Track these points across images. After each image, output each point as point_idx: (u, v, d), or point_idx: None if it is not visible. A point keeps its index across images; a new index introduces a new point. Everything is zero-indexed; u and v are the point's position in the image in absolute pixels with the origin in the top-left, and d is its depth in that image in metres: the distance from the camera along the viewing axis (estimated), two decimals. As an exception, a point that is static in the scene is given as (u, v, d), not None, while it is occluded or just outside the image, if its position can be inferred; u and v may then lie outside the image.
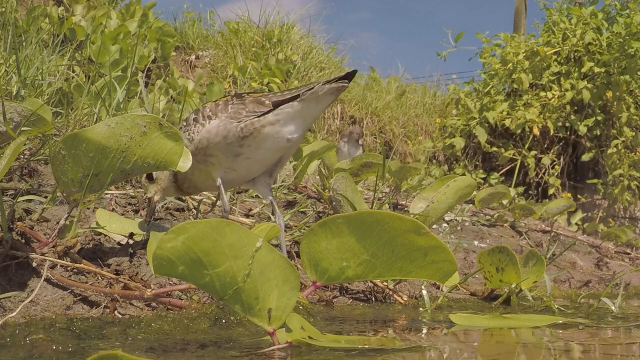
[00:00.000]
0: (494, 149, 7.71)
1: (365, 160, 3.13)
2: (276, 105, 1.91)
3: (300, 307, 1.84)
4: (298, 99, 1.90)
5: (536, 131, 7.44)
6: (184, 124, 2.03)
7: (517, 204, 4.49)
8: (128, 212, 2.32)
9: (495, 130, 7.85)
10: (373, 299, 2.36)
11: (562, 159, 7.87)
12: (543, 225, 4.52)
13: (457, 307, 2.35)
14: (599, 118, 7.48)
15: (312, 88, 1.88)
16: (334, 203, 2.46)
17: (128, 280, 1.71)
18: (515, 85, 7.67)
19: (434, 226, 3.47)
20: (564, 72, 7.58)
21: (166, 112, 3.70)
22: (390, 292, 2.38)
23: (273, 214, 2.11)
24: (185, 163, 1.82)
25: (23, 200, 1.95)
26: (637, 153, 7.48)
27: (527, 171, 7.64)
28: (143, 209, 2.35)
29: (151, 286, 1.72)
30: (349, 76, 1.88)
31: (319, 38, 7.93)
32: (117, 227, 2.01)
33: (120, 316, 1.61)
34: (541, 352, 1.60)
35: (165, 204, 2.45)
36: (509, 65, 7.68)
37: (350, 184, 2.47)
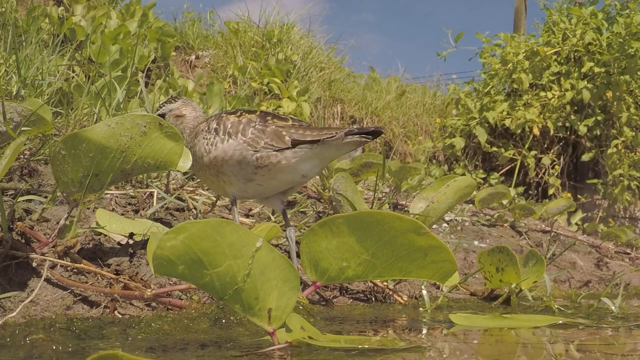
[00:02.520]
0: (494, 149, 7.71)
1: (365, 160, 3.13)
2: (295, 144, 1.88)
3: (300, 307, 1.84)
4: (319, 143, 1.87)
5: (536, 131, 7.44)
6: (206, 127, 2.01)
7: (517, 204, 4.49)
8: (128, 212, 2.32)
9: (495, 130, 7.85)
10: (373, 299, 2.35)
11: (562, 159, 7.87)
12: (543, 225, 4.52)
13: (457, 307, 2.35)
14: (599, 118, 7.48)
15: (335, 136, 1.84)
16: (334, 203, 2.46)
17: (128, 280, 1.71)
18: (515, 85, 7.67)
19: (434, 226, 3.47)
20: (564, 72, 7.58)
21: (166, 112, 3.69)
22: (390, 292, 2.37)
23: (285, 227, 2.11)
24: (185, 163, 1.82)
25: (23, 200, 1.95)
26: (637, 153, 7.47)
27: (527, 171, 7.64)
28: (143, 209, 2.35)
29: (151, 286, 1.72)
30: (375, 134, 1.82)
31: (319, 38, 7.94)
32: (117, 227, 2.01)
33: (120, 316, 1.61)
34: (541, 352, 1.60)
35: (165, 204, 2.45)
36: (509, 65, 7.67)
37: (350, 184, 2.47)
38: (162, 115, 2.09)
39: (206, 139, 1.98)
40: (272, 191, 2.01)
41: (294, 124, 1.93)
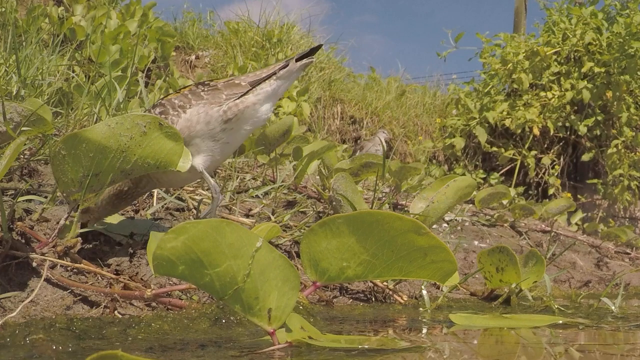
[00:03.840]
0: (494, 149, 7.71)
1: (365, 160, 3.13)
2: (253, 85, 1.92)
3: (300, 307, 1.84)
4: (274, 77, 1.93)
5: (536, 131, 7.44)
6: None
7: (517, 204, 4.49)
8: (128, 212, 2.32)
9: (495, 130, 7.85)
10: (373, 299, 2.35)
11: (562, 159, 7.88)
12: (543, 225, 4.52)
13: (457, 307, 2.35)
14: (599, 118, 7.48)
15: (287, 66, 1.93)
16: (334, 203, 2.46)
17: (128, 280, 1.71)
18: (515, 85, 7.68)
19: (434, 226, 3.47)
20: (564, 72, 7.58)
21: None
22: (390, 292, 2.37)
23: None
24: (185, 163, 1.81)
25: (23, 200, 1.95)
26: (637, 153, 7.48)
27: (527, 171, 7.64)
28: (143, 209, 2.35)
29: (151, 286, 1.72)
30: (314, 51, 1.96)
31: (319, 38, 7.95)
32: (117, 227, 2.01)
33: (120, 316, 1.61)
34: (541, 352, 1.60)
35: (165, 204, 2.45)
36: (509, 65, 7.68)
37: (350, 184, 2.47)
38: None
39: None
40: (236, 146, 2.00)
41: (235, 76, 1.98)
